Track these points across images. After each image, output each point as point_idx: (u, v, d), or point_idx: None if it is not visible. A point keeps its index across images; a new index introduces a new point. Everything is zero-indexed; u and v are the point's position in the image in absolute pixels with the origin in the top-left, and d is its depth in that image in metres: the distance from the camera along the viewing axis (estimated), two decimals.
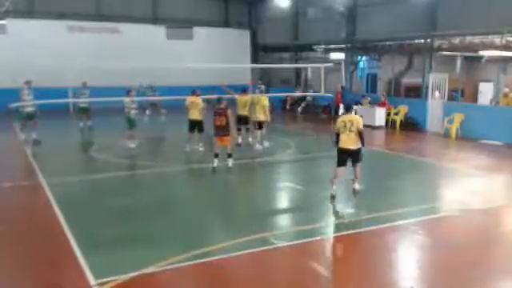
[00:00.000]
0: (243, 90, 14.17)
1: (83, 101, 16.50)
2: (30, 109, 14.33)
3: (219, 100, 11.00)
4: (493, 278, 5.98)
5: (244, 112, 13.73)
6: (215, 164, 10.68)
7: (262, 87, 22.50)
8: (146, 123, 18.09)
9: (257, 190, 10.07)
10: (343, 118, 8.65)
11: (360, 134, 8.41)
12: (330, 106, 21.48)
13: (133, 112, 13.67)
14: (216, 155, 10.70)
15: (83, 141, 15.81)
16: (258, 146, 13.58)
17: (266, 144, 13.89)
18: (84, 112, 17.03)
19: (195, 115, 12.80)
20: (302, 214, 8.39)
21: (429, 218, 7.94)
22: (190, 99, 13.01)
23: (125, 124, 13.69)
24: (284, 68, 27.12)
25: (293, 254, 6.58)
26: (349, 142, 8.46)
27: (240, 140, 13.88)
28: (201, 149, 12.90)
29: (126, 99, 13.71)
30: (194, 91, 13.25)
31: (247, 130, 14.09)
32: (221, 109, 10.63)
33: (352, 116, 8.64)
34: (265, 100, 13.70)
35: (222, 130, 10.51)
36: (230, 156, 10.85)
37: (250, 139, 14.02)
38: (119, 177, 10.98)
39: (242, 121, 13.77)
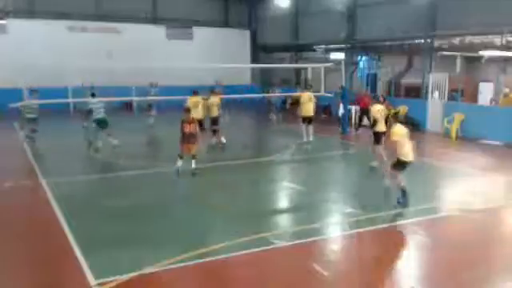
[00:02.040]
0: (212, 90, 14.40)
1: (84, 101, 16.38)
2: (33, 115, 14.19)
3: (188, 108, 11.10)
4: (493, 277, 5.98)
5: (216, 114, 13.97)
6: (179, 164, 10.55)
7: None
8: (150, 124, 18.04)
9: (256, 190, 10.06)
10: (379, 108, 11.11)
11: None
12: (330, 106, 21.48)
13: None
14: (181, 157, 10.58)
15: (84, 141, 15.78)
16: (311, 138, 14.76)
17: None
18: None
19: (197, 115, 12.79)
20: (302, 213, 8.39)
21: (429, 218, 7.94)
22: (192, 99, 13.01)
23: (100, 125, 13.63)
24: (284, 68, 27.12)
25: (293, 254, 6.58)
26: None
27: (224, 139, 14.01)
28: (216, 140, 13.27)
29: (93, 100, 13.83)
30: (194, 91, 13.25)
31: (214, 131, 14.09)
32: (192, 118, 10.89)
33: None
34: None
35: (192, 137, 10.61)
36: (194, 157, 10.73)
37: (224, 139, 14.09)
38: (119, 177, 10.99)
39: (215, 122, 14.04)
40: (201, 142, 11.30)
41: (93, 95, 14.19)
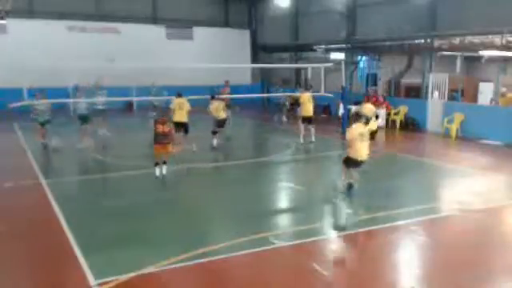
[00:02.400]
0: (212, 96, 14.21)
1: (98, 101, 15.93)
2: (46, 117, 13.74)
3: (165, 109, 10.91)
4: (493, 277, 5.98)
5: (223, 116, 13.98)
6: (157, 173, 10.25)
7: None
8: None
9: (257, 190, 10.07)
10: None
11: None
12: (330, 106, 21.48)
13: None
14: (157, 164, 10.28)
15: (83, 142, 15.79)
16: (313, 138, 14.74)
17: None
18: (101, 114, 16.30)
19: (181, 117, 12.65)
20: (302, 214, 8.39)
21: (429, 218, 7.94)
22: (176, 101, 12.88)
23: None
24: (284, 68, 27.12)
25: (293, 253, 6.58)
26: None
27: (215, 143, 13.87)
28: (194, 149, 12.81)
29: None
30: (178, 93, 13.13)
31: (214, 133, 13.93)
32: (164, 118, 10.41)
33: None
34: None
35: (166, 138, 10.19)
36: (164, 163, 10.40)
37: (215, 141, 13.97)
38: (119, 177, 10.98)
39: (221, 124, 14.02)
40: (176, 146, 10.81)
41: (75, 90, 14.13)
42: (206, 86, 19.07)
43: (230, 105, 17.49)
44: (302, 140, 14.75)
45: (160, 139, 10.16)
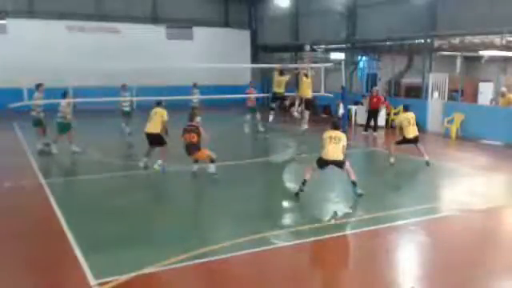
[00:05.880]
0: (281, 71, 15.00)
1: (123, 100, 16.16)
2: (58, 120, 12.80)
3: (192, 114, 10.14)
4: (493, 277, 5.98)
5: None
6: (194, 169, 10.27)
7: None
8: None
9: (256, 190, 10.07)
10: (407, 115, 11.39)
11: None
12: (330, 106, 21.49)
13: (69, 117, 12.88)
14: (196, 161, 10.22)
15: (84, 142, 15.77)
16: (306, 126, 14.29)
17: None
18: (127, 115, 16.38)
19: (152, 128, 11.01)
20: (302, 214, 8.40)
21: (429, 218, 7.94)
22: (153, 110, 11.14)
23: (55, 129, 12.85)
24: (284, 68, 27.09)
25: (293, 253, 6.58)
26: (415, 132, 11.34)
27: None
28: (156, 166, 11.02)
29: (63, 102, 12.68)
30: (158, 102, 11.36)
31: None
32: (192, 125, 9.91)
33: (410, 113, 11.49)
34: None
35: (194, 147, 9.86)
36: (196, 162, 10.30)
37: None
38: (119, 177, 10.98)
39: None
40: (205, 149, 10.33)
41: (64, 95, 12.94)
42: (209, 86, 19.08)
43: (255, 107, 17.54)
44: (306, 126, 14.34)
45: (186, 149, 9.94)
